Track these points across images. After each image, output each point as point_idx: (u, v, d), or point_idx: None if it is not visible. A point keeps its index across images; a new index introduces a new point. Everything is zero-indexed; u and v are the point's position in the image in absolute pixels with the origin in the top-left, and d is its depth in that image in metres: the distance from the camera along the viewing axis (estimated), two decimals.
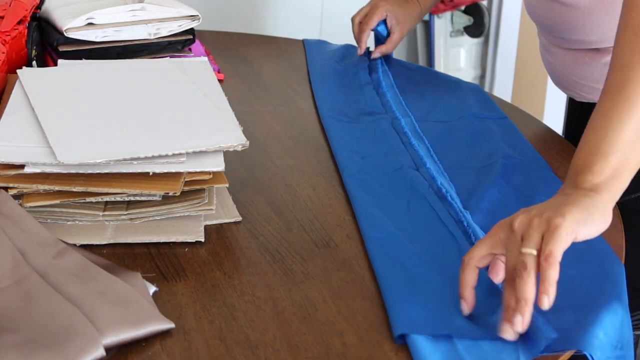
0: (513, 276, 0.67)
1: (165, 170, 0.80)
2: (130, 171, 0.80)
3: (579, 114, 1.18)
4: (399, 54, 2.58)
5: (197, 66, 1.03)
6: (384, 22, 1.29)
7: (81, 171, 0.79)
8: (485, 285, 0.74)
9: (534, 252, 0.66)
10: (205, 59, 1.06)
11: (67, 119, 0.86)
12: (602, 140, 0.73)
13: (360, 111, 1.15)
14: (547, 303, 0.65)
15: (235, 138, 0.84)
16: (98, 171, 0.80)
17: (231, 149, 0.83)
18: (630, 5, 0.78)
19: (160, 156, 0.80)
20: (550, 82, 1.21)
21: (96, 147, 0.81)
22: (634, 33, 0.76)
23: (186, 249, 0.82)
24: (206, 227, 0.85)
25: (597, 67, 1.06)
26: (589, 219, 0.69)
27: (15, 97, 0.91)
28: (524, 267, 0.66)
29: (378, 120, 1.12)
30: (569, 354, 0.69)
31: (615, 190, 0.72)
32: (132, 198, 0.82)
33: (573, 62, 1.09)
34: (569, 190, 0.73)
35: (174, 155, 0.81)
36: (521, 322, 0.66)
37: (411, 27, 1.30)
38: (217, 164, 0.83)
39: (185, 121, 0.88)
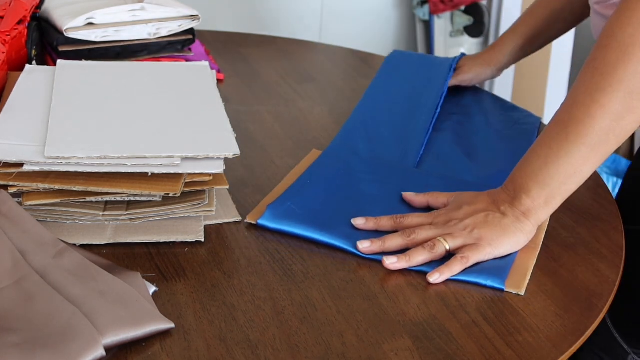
0: (414, 239, 0.82)
1: (164, 172, 0.80)
2: (130, 171, 0.80)
3: None
4: None
5: (196, 71, 1.03)
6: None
7: (80, 170, 0.79)
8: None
9: (447, 248, 0.81)
10: (206, 63, 1.06)
11: (69, 118, 0.87)
12: (540, 169, 0.81)
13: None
14: (435, 279, 0.78)
15: (227, 147, 0.83)
16: (97, 170, 0.80)
17: (222, 157, 0.83)
18: (597, 47, 0.79)
19: (147, 157, 0.80)
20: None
21: (83, 146, 0.81)
22: (591, 73, 0.79)
23: (186, 249, 0.82)
24: (206, 227, 0.85)
25: None
26: (511, 243, 0.82)
27: (15, 96, 0.91)
28: (432, 248, 0.80)
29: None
30: (569, 353, 0.69)
31: (544, 216, 0.83)
32: (132, 198, 0.82)
33: None
34: (503, 207, 0.83)
35: (165, 157, 0.80)
36: (394, 262, 0.80)
37: (477, 81, 1.21)
38: (217, 166, 0.83)
39: (180, 126, 0.87)
